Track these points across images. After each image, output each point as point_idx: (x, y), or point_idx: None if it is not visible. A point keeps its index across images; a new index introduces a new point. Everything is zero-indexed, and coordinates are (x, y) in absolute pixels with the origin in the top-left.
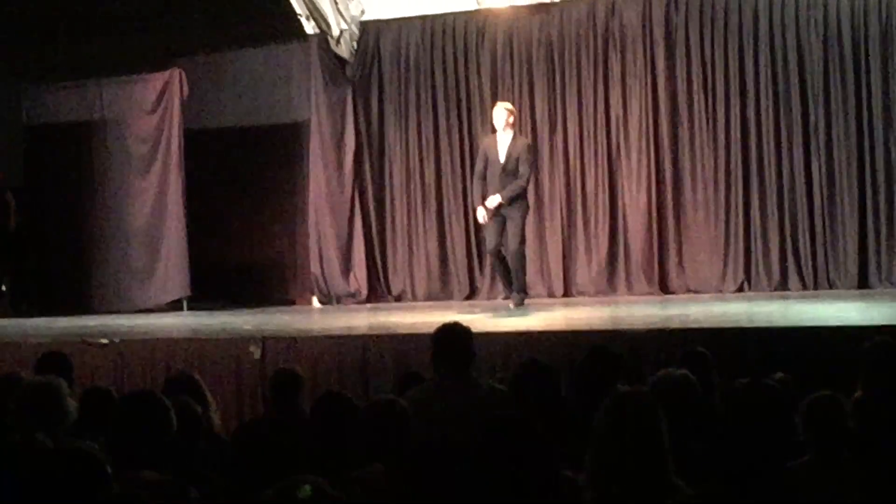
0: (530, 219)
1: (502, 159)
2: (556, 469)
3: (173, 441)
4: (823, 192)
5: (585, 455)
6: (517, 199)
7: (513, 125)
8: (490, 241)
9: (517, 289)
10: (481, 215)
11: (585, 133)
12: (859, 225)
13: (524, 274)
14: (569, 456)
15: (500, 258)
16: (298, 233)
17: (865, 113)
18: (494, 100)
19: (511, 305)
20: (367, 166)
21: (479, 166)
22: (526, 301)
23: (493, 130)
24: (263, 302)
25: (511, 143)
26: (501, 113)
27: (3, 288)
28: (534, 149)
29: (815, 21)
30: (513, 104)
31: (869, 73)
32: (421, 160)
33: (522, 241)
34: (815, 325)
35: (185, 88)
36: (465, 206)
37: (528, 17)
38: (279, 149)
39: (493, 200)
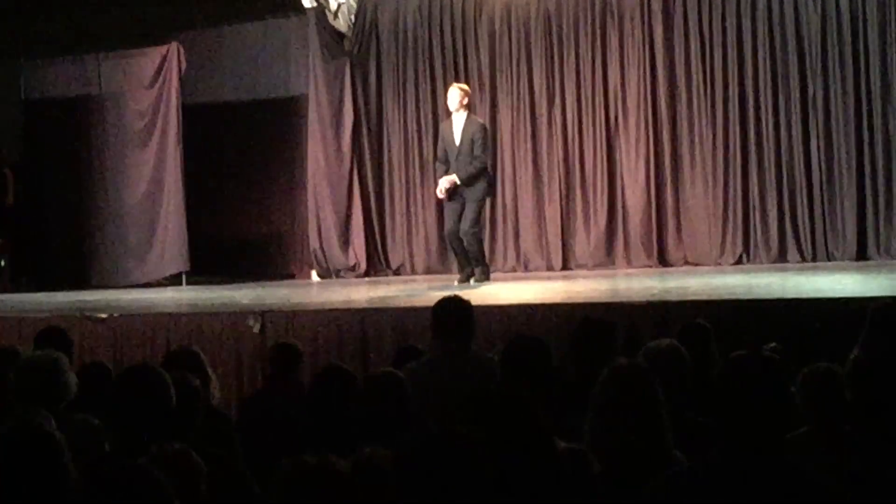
0: (527, 194)
1: (457, 141)
2: (551, 440)
3: (172, 415)
4: (822, 164)
5: (583, 426)
6: (476, 181)
7: (467, 106)
8: (447, 223)
9: (478, 268)
10: (440, 189)
11: (584, 107)
12: (857, 197)
13: (482, 254)
14: (564, 427)
15: (456, 241)
16: (297, 207)
17: (863, 86)
18: (493, 72)
19: (472, 281)
20: (365, 140)
21: (439, 149)
22: (490, 276)
23: (449, 113)
24: (262, 276)
25: (465, 124)
26: (455, 93)
27: (2, 263)
28: (488, 129)
29: None
30: (511, 77)
31: (867, 46)
32: (419, 134)
33: (476, 223)
34: (814, 296)
35: (184, 63)
36: None
37: None
38: (277, 123)
39: (446, 180)
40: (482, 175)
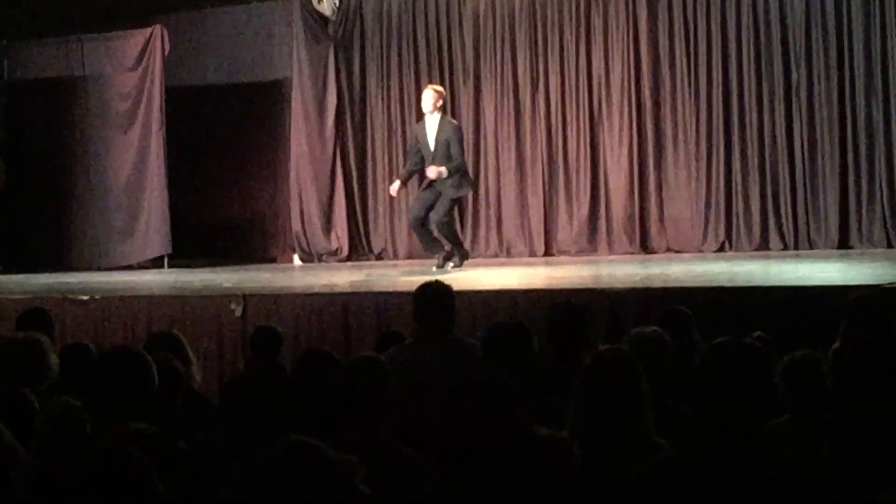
0: (510, 180)
1: (432, 144)
2: (531, 427)
3: (154, 398)
4: (805, 152)
5: (564, 412)
6: (452, 175)
7: (441, 108)
8: (413, 209)
9: (456, 253)
10: (394, 188)
11: (567, 92)
12: (840, 185)
13: (457, 238)
14: (545, 412)
15: (421, 229)
16: (280, 190)
17: (847, 74)
18: (477, 58)
19: (448, 267)
20: (348, 124)
21: (411, 150)
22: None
23: (423, 115)
24: (245, 259)
25: (439, 127)
26: (429, 95)
27: None
28: (462, 130)
29: None
30: (495, 63)
31: (851, 33)
32: (402, 119)
33: (447, 215)
34: (796, 284)
35: (167, 45)
36: None
37: None
38: (260, 106)
39: (434, 170)
40: (460, 172)
